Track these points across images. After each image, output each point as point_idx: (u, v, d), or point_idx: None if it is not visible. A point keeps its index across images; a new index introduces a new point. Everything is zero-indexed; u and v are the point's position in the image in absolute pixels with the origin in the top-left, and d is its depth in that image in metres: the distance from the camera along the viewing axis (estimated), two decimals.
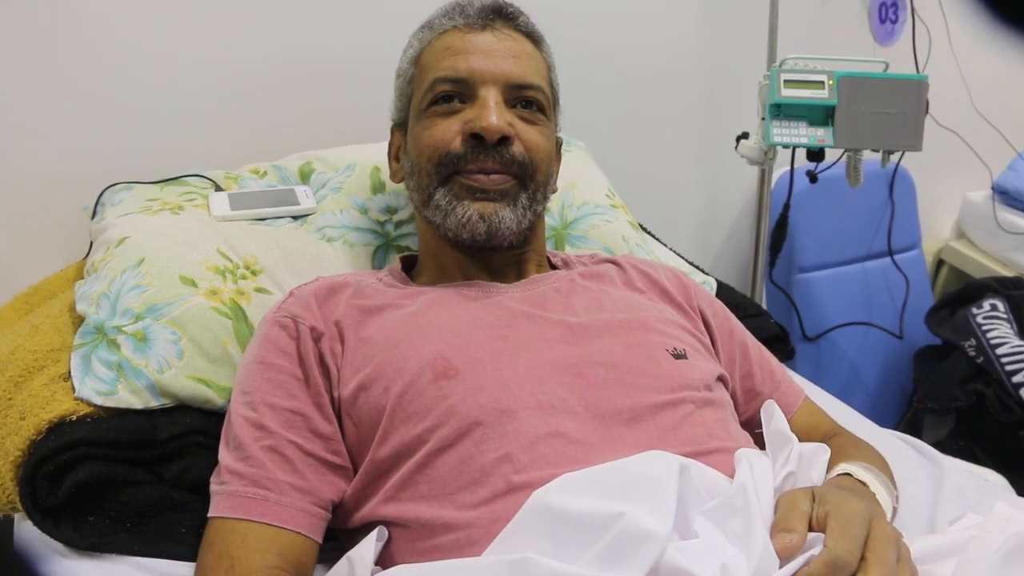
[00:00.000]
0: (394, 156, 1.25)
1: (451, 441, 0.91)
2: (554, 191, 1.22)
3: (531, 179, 1.11)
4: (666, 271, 1.25)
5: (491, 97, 1.09)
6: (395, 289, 1.12)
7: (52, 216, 1.50)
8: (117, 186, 1.39)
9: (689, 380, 1.01)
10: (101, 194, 1.39)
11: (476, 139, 1.08)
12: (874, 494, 0.94)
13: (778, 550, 0.76)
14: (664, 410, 0.96)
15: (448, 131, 1.10)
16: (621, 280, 1.19)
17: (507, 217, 1.09)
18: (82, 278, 1.28)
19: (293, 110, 1.65)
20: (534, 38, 1.20)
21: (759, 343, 1.26)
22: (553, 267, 1.23)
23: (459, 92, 1.11)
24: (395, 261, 1.22)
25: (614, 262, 1.23)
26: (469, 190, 1.08)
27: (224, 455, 0.96)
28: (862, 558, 0.75)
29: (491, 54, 1.12)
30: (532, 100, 1.13)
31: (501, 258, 1.15)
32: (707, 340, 1.16)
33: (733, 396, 1.14)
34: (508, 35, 1.15)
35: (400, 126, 1.23)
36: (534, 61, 1.16)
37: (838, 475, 0.98)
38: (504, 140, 1.08)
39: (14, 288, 1.42)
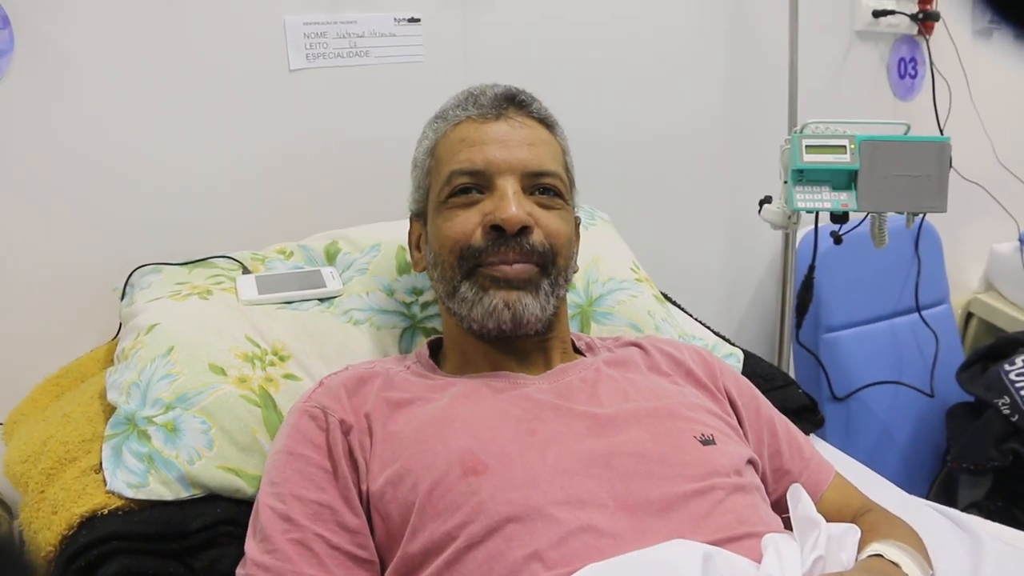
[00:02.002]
0: (415, 245, 1.26)
1: (481, 538, 0.90)
2: (575, 271, 1.22)
3: (552, 265, 1.12)
4: (691, 351, 1.24)
5: (509, 187, 1.10)
6: (423, 380, 1.12)
7: (81, 296, 1.51)
8: (146, 267, 1.41)
9: (718, 466, 1.00)
10: (130, 275, 1.41)
11: (496, 231, 1.09)
12: (907, 575, 0.93)
13: None
14: (694, 499, 0.95)
15: (468, 223, 1.11)
16: (645, 364, 1.19)
17: (530, 304, 1.09)
18: (112, 361, 1.30)
19: (318, 189, 1.68)
20: (548, 123, 1.21)
21: (786, 419, 1.25)
22: (577, 350, 1.23)
23: (477, 184, 1.12)
24: (422, 346, 1.23)
25: (638, 345, 1.23)
26: (493, 280, 1.09)
27: (251, 546, 0.96)
28: None
29: (507, 143, 1.13)
30: (549, 187, 1.14)
31: (525, 344, 1.15)
32: (734, 421, 1.15)
33: (763, 476, 1.13)
34: (522, 123, 1.16)
35: (418, 216, 1.23)
36: (549, 147, 1.18)
37: (869, 556, 0.96)
38: (524, 230, 1.09)
39: (44, 369, 1.43)
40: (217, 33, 1.54)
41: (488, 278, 1.09)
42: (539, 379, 1.11)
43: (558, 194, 1.16)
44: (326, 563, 0.94)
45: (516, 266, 1.09)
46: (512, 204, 1.08)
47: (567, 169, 1.21)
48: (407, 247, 1.33)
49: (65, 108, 1.45)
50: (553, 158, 1.17)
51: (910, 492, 1.39)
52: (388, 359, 1.24)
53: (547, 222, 1.12)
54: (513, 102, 1.17)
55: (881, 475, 1.44)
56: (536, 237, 1.10)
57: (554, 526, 0.89)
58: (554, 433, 1.00)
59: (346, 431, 1.03)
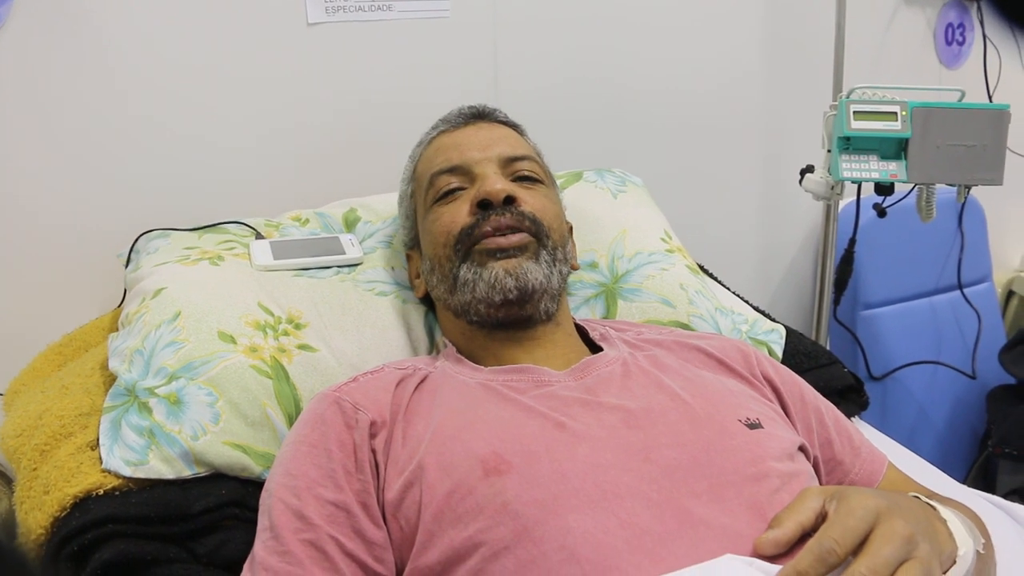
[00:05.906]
0: (415, 276, 1.25)
1: (507, 543, 0.81)
2: (575, 268, 1.25)
3: (547, 237, 1.11)
4: (721, 342, 1.15)
5: (490, 170, 1.13)
6: (448, 380, 1.04)
7: (86, 264, 1.45)
8: (152, 232, 1.35)
9: (769, 451, 0.91)
10: (136, 241, 1.34)
11: (483, 207, 1.09)
12: (945, 520, 0.84)
13: (756, 545, 0.77)
14: (748, 486, 0.86)
15: (457, 212, 1.11)
16: (674, 359, 1.10)
17: (532, 269, 1.06)
18: (116, 329, 1.23)
19: (334, 155, 1.61)
20: (515, 127, 1.26)
21: (832, 406, 1.15)
22: (589, 341, 1.15)
23: (459, 181, 1.14)
24: (449, 345, 1.15)
25: (659, 344, 1.14)
26: (489, 253, 1.07)
27: (259, 544, 0.88)
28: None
29: (480, 140, 1.18)
30: (528, 173, 1.17)
31: (537, 334, 1.09)
32: (779, 408, 1.06)
33: (815, 467, 1.04)
34: (490, 125, 1.22)
35: (413, 246, 1.25)
36: (520, 141, 1.23)
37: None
38: (511, 200, 1.10)
39: (47, 337, 1.37)
40: None
41: (484, 253, 1.07)
42: (564, 375, 1.02)
43: (538, 180, 1.17)
44: (340, 568, 0.85)
45: (511, 236, 1.08)
46: (496, 180, 1.11)
47: (543, 165, 1.23)
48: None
49: (68, 61, 1.38)
50: (526, 148, 1.21)
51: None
52: (419, 359, 1.16)
53: (532, 198, 1.13)
54: (479, 114, 1.24)
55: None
56: (525, 206, 1.11)
57: (590, 525, 0.80)
58: (584, 428, 0.91)
59: (373, 434, 0.94)
